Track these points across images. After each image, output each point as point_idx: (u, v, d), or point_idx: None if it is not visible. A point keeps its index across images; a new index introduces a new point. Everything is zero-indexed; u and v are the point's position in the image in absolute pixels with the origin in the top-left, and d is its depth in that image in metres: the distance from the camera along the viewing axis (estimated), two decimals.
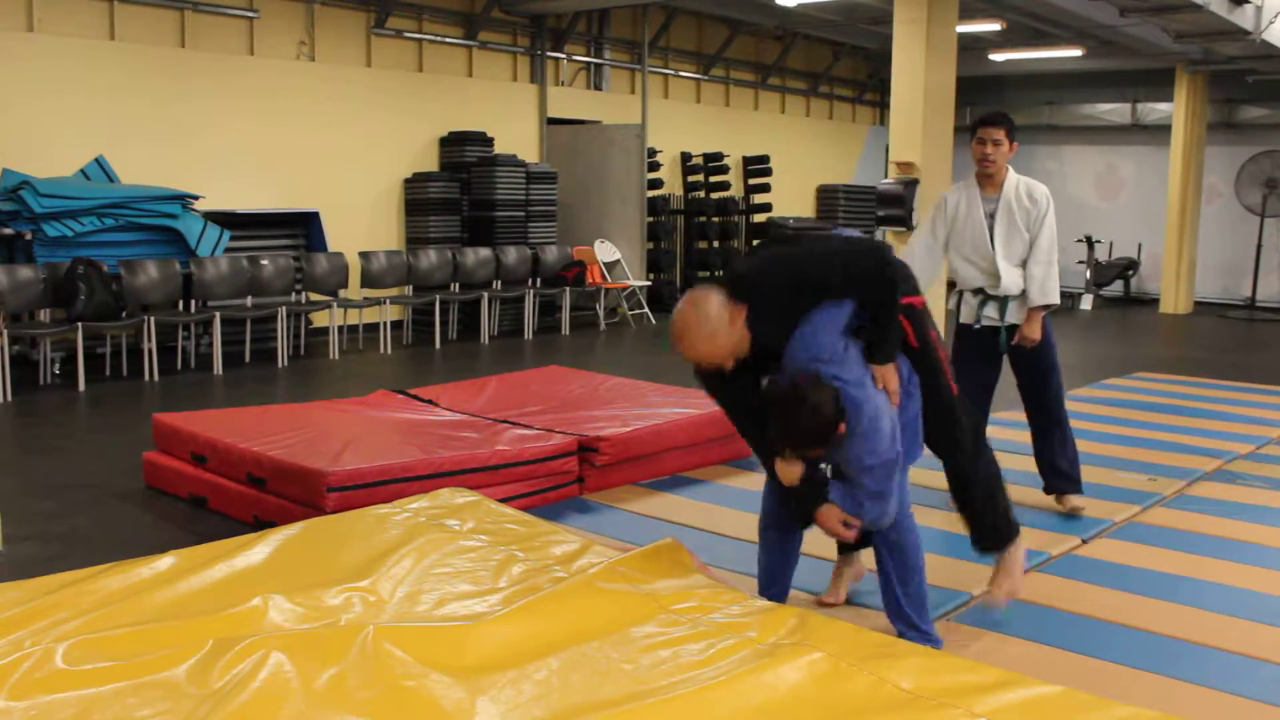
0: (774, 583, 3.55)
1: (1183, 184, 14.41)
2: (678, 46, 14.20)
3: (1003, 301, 4.75)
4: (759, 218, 14.82)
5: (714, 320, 3.04)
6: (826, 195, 16.68)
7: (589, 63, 13.24)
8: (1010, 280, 4.70)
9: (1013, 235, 4.69)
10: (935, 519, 4.77)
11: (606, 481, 5.17)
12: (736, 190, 14.82)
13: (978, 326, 4.82)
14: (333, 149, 10.59)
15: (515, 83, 12.43)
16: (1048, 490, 4.96)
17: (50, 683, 2.53)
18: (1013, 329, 4.76)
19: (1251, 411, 7.30)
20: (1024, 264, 4.70)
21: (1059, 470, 4.89)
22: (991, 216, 4.70)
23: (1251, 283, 15.12)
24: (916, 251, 4.86)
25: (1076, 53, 13.48)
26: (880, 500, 3.21)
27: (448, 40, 11.59)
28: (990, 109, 5.06)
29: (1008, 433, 5.78)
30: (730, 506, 4.92)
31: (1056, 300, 4.68)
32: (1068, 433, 4.90)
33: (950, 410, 3.46)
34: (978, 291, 4.81)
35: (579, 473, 5.11)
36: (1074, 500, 4.88)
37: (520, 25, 12.36)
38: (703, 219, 14.17)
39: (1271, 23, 10.75)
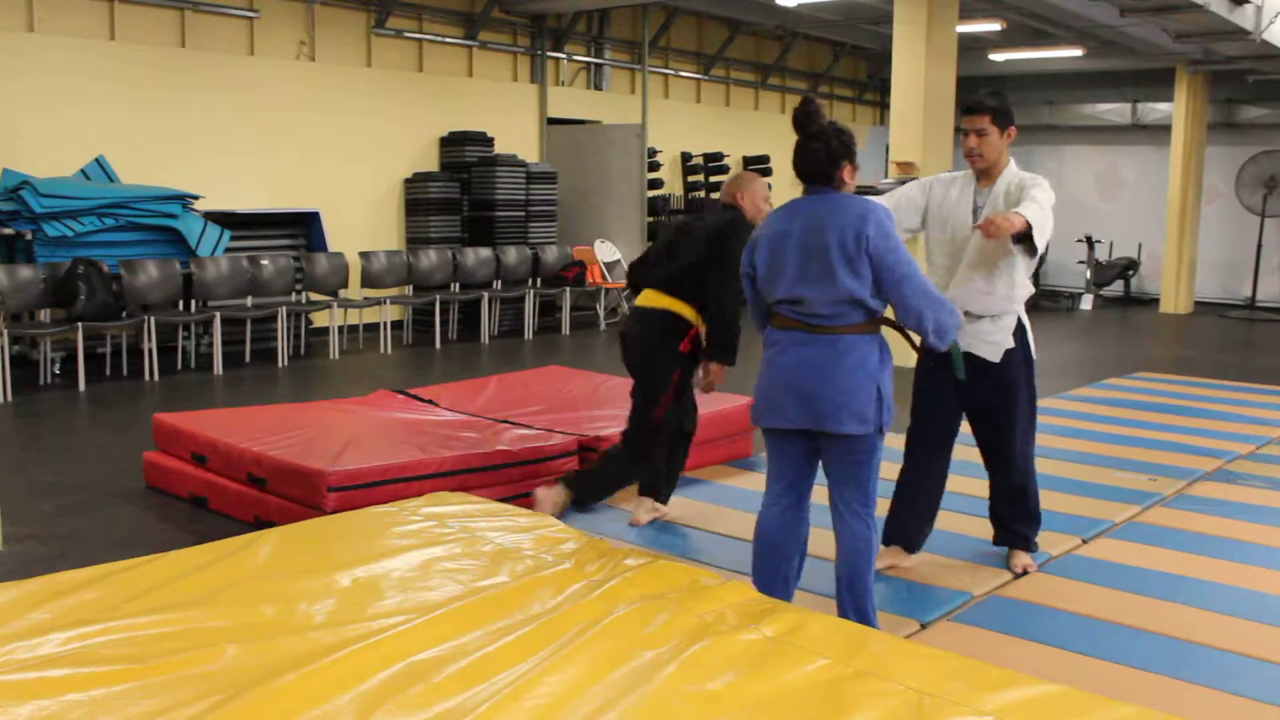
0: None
1: (1183, 184, 14.41)
2: (678, 46, 14.20)
3: None
4: None
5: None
6: None
7: (589, 63, 13.24)
8: (961, 287, 3.94)
9: None
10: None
11: None
12: None
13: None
14: (333, 149, 10.59)
15: (515, 83, 12.43)
16: (996, 541, 4.28)
17: (54, 684, 2.53)
18: (968, 354, 3.92)
19: (1251, 411, 7.30)
20: (998, 278, 3.93)
21: (1009, 528, 4.22)
22: (980, 210, 3.98)
23: (1251, 283, 15.12)
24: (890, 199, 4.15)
25: (1076, 53, 13.48)
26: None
27: (448, 40, 11.58)
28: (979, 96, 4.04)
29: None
30: (730, 506, 4.92)
31: (1033, 227, 3.66)
32: (1029, 493, 4.16)
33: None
34: None
35: None
36: (1023, 558, 4.19)
37: (520, 25, 12.36)
38: None
39: (1271, 23, 10.75)
